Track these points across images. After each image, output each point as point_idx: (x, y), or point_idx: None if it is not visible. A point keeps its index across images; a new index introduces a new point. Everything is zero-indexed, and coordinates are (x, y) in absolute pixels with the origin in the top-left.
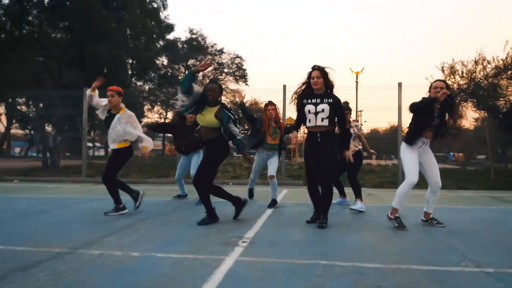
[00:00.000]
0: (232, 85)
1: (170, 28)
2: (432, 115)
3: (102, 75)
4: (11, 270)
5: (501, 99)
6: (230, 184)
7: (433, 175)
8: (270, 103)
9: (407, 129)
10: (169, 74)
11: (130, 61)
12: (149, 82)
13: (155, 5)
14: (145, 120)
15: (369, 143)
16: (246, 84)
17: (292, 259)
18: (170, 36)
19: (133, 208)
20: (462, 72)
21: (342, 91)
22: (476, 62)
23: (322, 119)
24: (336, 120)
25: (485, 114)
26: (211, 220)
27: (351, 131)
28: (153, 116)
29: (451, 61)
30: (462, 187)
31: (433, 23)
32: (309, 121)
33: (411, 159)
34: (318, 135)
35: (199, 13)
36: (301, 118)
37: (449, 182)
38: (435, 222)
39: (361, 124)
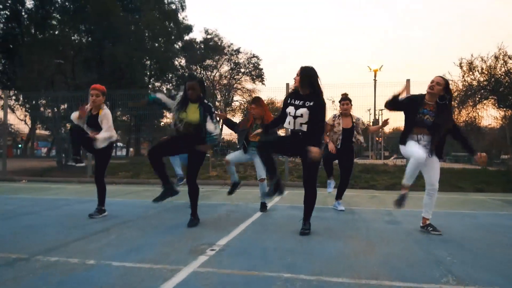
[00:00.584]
0: (249, 85)
1: (188, 29)
2: (415, 113)
3: (120, 76)
4: None
5: None
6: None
7: (430, 176)
8: (254, 101)
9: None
10: (186, 74)
11: (148, 62)
12: (166, 83)
13: (174, 7)
14: (164, 120)
15: (389, 143)
16: (263, 84)
17: (253, 271)
18: (188, 37)
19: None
20: (482, 68)
21: (358, 89)
22: (496, 58)
23: (301, 124)
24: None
25: (506, 112)
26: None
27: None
28: (171, 116)
29: (470, 56)
30: (480, 189)
31: (450, 18)
32: (288, 123)
33: (412, 145)
34: (300, 134)
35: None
36: (281, 117)
37: (466, 183)
38: (431, 229)
39: (364, 122)
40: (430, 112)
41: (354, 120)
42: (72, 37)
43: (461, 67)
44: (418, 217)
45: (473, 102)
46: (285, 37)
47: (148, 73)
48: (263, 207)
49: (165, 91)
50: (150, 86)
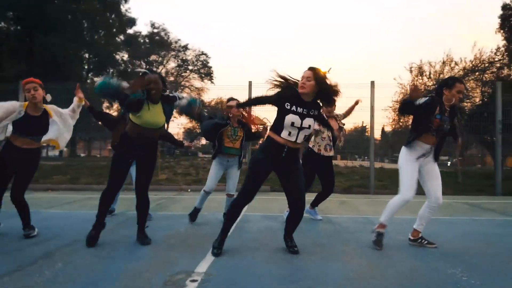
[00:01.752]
0: (197, 83)
1: (131, 22)
2: (429, 118)
3: (53, 68)
4: None
5: (467, 100)
6: (189, 191)
7: (434, 189)
8: (232, 99)
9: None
10: (129, 70)
11: (87, 55)
12: None
13: None
14: None
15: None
16: (212, 82)
17: None
18: (131, 31)
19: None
20: (430, 73)
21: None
22: (444, 63)
23: (305, 137)
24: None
25: None
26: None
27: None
28: (112, 114)
29: (419, 61)
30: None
31: (405, 23)
32: (289, 134)
33: (409, 171)
34: (285, 150)
35: (163, 7)
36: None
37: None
38: (425, 242)
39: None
40: (447, 118)
41: (339, 120)
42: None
43: (411, 71)
44: (401, 225)
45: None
46: (234, 37)
47: (86, 67)
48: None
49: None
50: (88, 81)
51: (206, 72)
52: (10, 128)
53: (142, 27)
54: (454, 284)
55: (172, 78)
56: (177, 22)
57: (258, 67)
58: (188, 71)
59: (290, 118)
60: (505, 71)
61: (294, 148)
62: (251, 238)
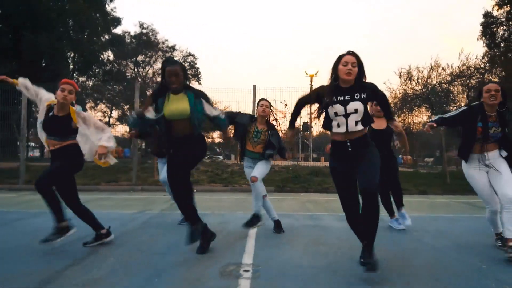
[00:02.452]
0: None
1: (116, 21)
2: (473, 128)
3: (41, 68)
4: None
5: (452, 104)
6: (196, 191)
7: (500, 187)
8: (264, 99)
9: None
10: (115, 70)
11: (72, 54)
12: (92, 78)
13: None
14: None
15: (318, 146)
16: (199, 84)
17: None
18: (118, 31)
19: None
20: (418, 78)
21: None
22: (431, 69)
23: (356, 123)
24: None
25: None
26: (197, 229)
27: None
28: (96, 114)
29: (408, 67)
30: (423, 191)
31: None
32: (338, 126)
33: (477, 183)
34: (348, 144)
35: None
36: (297, 113)
37: (409, 185)
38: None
39: None
40: (495, 123)
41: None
42: None
43: (400, 76)
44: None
45: (408, 109)
46: (223, 38)
47: (72, 66)
48: (254, 220)
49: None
50: (74, 80)
51: (193, 73)
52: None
53: (130, 27)
54: (478, 272)
55: (159, 79)
56: (175, 22)
57: (258, 66)
58: None
59: (332, 109)
60: (487, 76)
61: (357, 139)
62: (276, 234)
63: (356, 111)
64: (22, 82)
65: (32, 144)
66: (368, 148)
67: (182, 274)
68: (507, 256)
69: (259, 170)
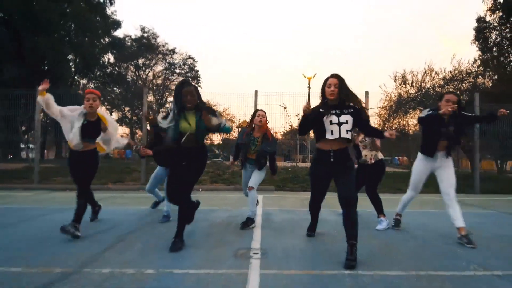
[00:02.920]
0: None
1: (116, 24)
2: (438, 129)
3: (43, 71)
4: None
5: None
6: (200, 190)
7: (442, 186)
8: (260, 110)
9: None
10: (115, 72)
11: (73, 57)
12: (93, 80)
13: (101, 0)
14: None
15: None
16: (199, 86)
17: (314, 270)
18: (119, 33)
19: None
20: (412, 82)
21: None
22: (425, 73)
23: (347, 131)
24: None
25: None
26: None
27: (361, 138)
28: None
29: (403, 71)
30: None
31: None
32: (331, 133)
33: (416, 172)
34: (332, 154)
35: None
36: (310, 126)
37: (403, 185)
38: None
39: None
40: (450, 125)
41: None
42: None
43: (395, 80)
44: (406, 216)
45: (403, 112)
46: (222, 39)
47: (73, 69)
48: (248, 222)
49: (92, 86)
50: (75, 83)
51: (193, 76)
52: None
53: (130, 30)
54: (453, 255)
55: (159, 81)
56: (174, 23)
57: (257, 67)
58: (175, 74)
59: (328, 118)
60: (480, 80)
61: (340, 150)
62: (279, 226)
63: (347, 122)
64: (46, 98)
65: (31, 146)
66: (347, 163)
67: (202, 256)
68: (459, 241)
69: (255, 179)
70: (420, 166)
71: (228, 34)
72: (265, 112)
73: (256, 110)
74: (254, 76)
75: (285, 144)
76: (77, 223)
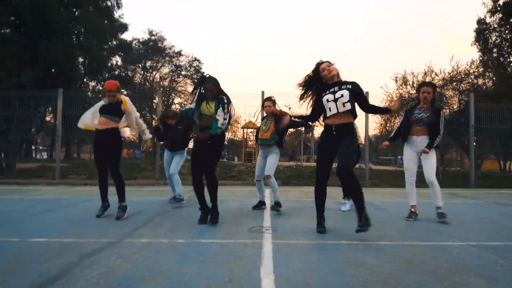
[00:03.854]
0: (190, 88)
1: (124, 27)
2: (410, 116)
3: (54, 74)
4: (80, 257)
5: (446, 107)
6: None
7: (425, 172)
8: (268, 99)
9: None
10: (123, 74)
11: (82, 60)
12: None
13: (109, 3)
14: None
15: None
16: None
17: (317, 241)
18: (126, 36)
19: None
20: (413, 82)
21: None
22: (425, 73)
23: (344, 104)
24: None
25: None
26: (206, 216)
27: None
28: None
29: (403, 72)
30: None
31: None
32: (329, 110)
33: (405, 157)
34: (333, 128)
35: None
36: (318, 111)
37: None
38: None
39: None
40: (424, 111)
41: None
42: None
43: (396, 81)
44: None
45: (404, 112)
46: (222, 39)
47: (82, 72)
48: (277, 205)
49: (101, 91)
50: (84, 85)
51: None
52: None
53: (138, 33)
54: (437, 232)
55: (166, 83)
56: (174, 23)
57: (257, 67)
58: (181, 76)
59: (325, 98)
60: (480, 81)
61: (343, 124)
62: (286, 211)
63: (342, 95)
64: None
65: (40, 147)
66: (348, 136)
67: (223, 230)
68: (439, 220)
69: (270, 165)
70: (405, 151)
71: (227, 34)
72: (272, 101)
73: (265, 100)
74: (254, 76)
75: (289, 144)
76: (122, 201)
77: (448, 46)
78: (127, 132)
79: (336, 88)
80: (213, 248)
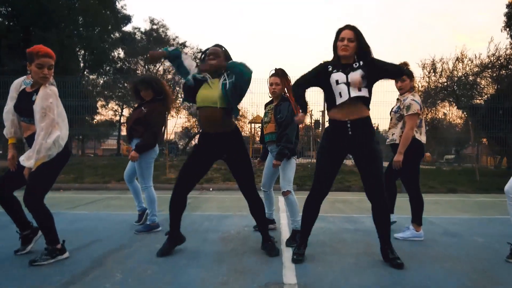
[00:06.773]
0: None
1: (127, 19)
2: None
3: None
4: None
5: (479, 98)
6: (211, 190)
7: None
8: (275, 73)
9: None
10: (125, 67)
11: (82, 52)
12: (103, 76)
13: None
14: (97, 117)
15: None
16: None
17: None
18: (128, 28)
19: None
20: (442, 70)
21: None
22: (457, 60)
23: (359, 88)
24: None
25: (464, 113)
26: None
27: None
28: (107, 113)
29: (431, 59)
30: (452, 189)
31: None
32: (340, 96)
33: None
34: (349, 125)
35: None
36: (309, 82)
37: (435, 183)
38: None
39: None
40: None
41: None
42: None
43: (423, 68)
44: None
45: (431, 104)
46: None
47: (82, 64)
48: (293, 236)
49: (101, 84)
50: (85, 78)
51: None
52: None
53: (140, 23)
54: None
55: (170, 76)
56: (175, 17)
57: (257, 68)
58: None
59: (333, 76)
60: None
61: (359, 120)
62: (316, 241)
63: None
64: None
65: None
66: (371, 136)
67: None
68: None
69: (286, 176)
70: None
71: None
72: (281, 77)
73: (270, 77)
74: (254, 77)
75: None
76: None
77: (456, 40)
78: None
79: (348, 68)
80: None
